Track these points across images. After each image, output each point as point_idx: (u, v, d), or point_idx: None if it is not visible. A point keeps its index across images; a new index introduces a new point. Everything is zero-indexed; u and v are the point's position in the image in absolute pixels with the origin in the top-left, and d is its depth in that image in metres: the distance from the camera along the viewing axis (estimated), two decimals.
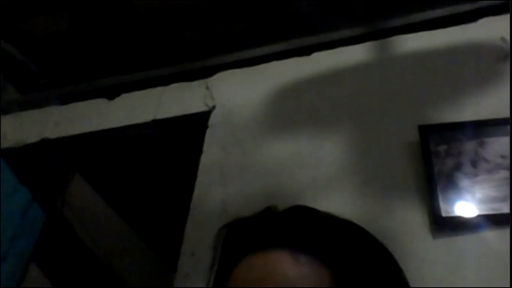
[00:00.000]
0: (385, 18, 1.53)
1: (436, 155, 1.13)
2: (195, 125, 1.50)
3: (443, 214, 1.04)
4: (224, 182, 1.31)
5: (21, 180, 1.76)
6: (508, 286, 0.92)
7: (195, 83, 1.60)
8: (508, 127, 1.11)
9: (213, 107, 1.50)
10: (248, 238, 0.55)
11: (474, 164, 1.10)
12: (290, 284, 0.49)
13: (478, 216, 1.03)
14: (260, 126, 1.40)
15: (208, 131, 1.44)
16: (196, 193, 1.31)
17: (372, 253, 0.56)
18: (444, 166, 1.11)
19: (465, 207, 1.05)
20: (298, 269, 0.50)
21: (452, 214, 1.05)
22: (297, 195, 1.20)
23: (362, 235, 0.57)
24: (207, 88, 1.56)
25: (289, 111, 1.41)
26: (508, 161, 1.08)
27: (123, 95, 1.66)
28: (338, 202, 1.16)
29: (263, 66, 1.56)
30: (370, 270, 0.53)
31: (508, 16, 1.34)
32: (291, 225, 0.55)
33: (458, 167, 1.11)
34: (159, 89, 1.63)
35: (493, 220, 1.01)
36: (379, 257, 0.56)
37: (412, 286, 0.59)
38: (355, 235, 0.57)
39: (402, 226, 1.07)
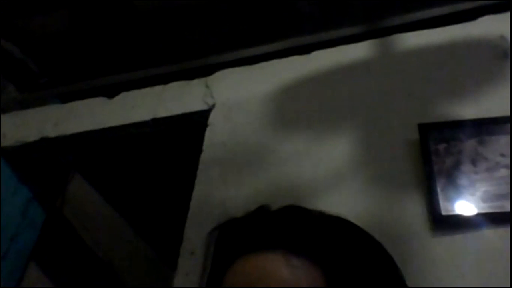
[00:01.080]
0: (385, 17, 1.53)
1: (436, 154, 1.13)
2: (194, 124, 1.50)
3: (443, 213, 1.04)
4: (224, 181, 1.30)
5: (20, 179, 1.76)
6: (508, 285, 0.92)
7: (195, 81, 1.59)
8: (508, 125, 1.11)
9: (213, 105, 1.50)
10: (240, 240, 0.55)
11: (474, 162, 1.10)
12: (283, 286, 0.49)
13: (478, 214, 1.03)
14: (260, 125, 1.39)
15: (208, 129, 1.44)
16: (196, 192, 1.31)
17: (366, 252, 0.56)
18: (444, 165, 1.11)
19: (465, 205, 1.05)
20: (291, 271, 0.50)
21: (452, 213, 1.05)
22: (297, 194, 1.20)
23: (356, 234, 0.57)
24: (207, 86, 1.56)
25: (289, 110, 1.41)
26: (508, 160, 1.08)
27: (123, 94, 1.66)
28: (338, 201, 1.16)
29: (263, 65, 1.56)
30: (364, 270, 0.53)
31: (508, 14, 1.34)
32: (284, 227, 0.55)
33: (458, 165, 1.11)
34: (158, 87, 1.63)
35: (493, 219, 1.01)
36: (373, 256, 0.56)
37: (412, 285, 0.59)
38: (348, 235, 0.56)
39: (401, 225, 1.07)
